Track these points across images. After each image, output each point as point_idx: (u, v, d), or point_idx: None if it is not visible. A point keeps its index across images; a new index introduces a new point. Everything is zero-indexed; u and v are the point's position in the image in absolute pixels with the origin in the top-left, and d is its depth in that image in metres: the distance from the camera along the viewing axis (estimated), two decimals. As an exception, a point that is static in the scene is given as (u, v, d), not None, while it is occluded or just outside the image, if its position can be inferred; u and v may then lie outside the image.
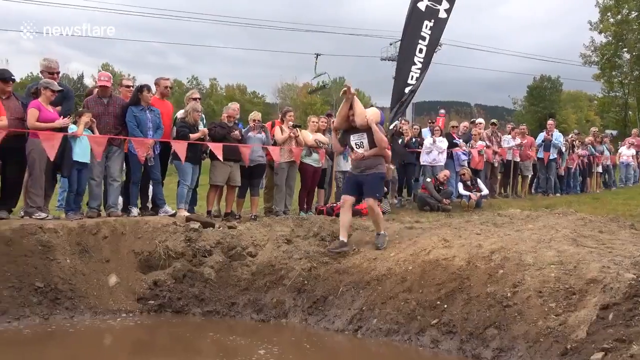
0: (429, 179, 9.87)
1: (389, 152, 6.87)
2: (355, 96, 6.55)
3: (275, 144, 8.43)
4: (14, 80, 6.47)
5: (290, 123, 8.65)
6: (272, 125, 8.88)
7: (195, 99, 8.09)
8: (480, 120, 12.58)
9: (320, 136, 8.95)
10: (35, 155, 6.30)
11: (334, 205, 8.73)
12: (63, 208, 7.64)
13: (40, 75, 7.05)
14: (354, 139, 6.53)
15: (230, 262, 6.31)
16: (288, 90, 51.69)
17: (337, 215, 8.22)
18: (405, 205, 10.24)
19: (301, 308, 5.73)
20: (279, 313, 5.75)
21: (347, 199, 6.49)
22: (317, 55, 29.83)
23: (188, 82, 53.15)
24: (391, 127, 9.22)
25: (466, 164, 10.80)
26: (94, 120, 6.78)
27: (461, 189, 10.06)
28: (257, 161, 8.12)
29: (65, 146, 6.49)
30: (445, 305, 4.89)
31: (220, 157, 7.56)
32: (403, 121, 10.34)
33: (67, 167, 6.70)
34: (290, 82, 52.71)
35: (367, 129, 6.41)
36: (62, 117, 6.51)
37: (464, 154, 10.93)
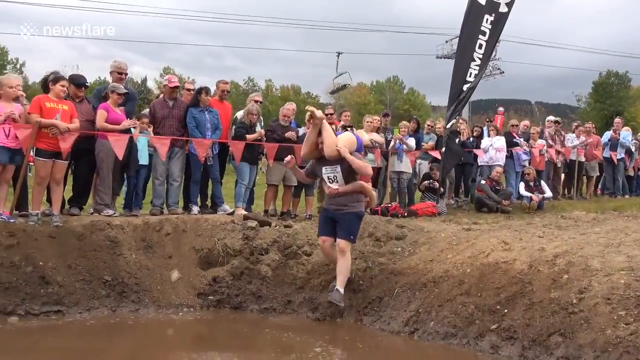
0: (483, 181, 9.59)
1: (369, 188, 5.91)
2: (324, 121, 5.70)
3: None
4: (87, 86, 6.86)
5: (342, 123, 8.66)
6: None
7: (256, 102, 8.30)
8: (552, 117, 12.12)
9: (375, 136, 8.91)
10: (104, 155, 6.64)
11: (389, 205, 8.67)
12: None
13: (110, 76, 7.45)
14: (326, 172, 5.69)
15: (286, 261, 6.40)
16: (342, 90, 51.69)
17: (392, 215, 8.17)
18: (462, 206, 10.01)
19: (356, 308, 5.73)
20: (334, 312, 5.77)
21: (326, 240, 5.73)
22: (339, 53, 28.95)
23: (244, 83, 54.24)
24: (448, 125, 9.02)
25: (527, 164, 10.42)
26: (150, 125, 7.10)
27: (522, 190, 9.71)
28: (311, 162, 8.17)
29: (132, 146, 6.81)
30: (506, 310, 4.74)
31: (271, 160, 7.68)
32: (460, 120, 10.11)
33: (133, 167, 7.06)
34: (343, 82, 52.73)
35: (339, 160, 5.55)
36: (127, 118, 6.85)
37: (524, 153, 10.55)
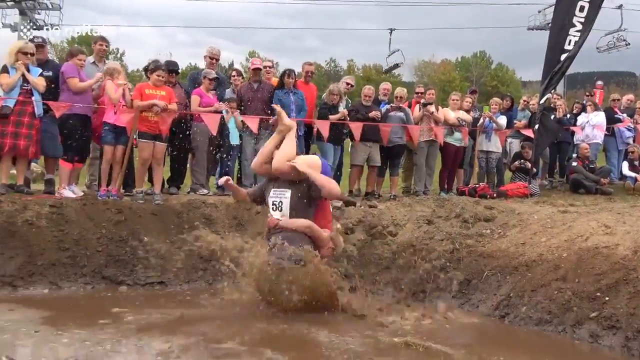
0: (575, 163, 8.97)
1: (322, 234, 4.51)
2: (292, 130, 4.63)
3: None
4: (178, 72, 7.26)
5: (422, 101, 8.46)
6: (409, 105, 8.77)
7: (347, 84, 8.42)
8: None
9: (462, 114, 8.63)
10: (199, 137, 7.04)
11: (477, 186, 8.41)
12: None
13: (203, 61, 7.84)
14: (272, 195, 4.52)
15: (371, 241, 6.44)
16: (425, 67, 50.28)
17: (480, 196, 7.92)
18: (557, 187, 9.47)
19: (443, 290, 5.66)
20: (420, 294, 5.73)
21: None
22: (392, 30, 27.03)
23: (326, 64, 54.30)
24: (542, 101, 8.49)
25: (631, 142, 9.61)
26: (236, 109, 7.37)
27: (626, 170, 9.00)
28: (396, 142, 8.10)
29: (223, 129, 7.13)
30: (607, 298, 4.46)
31: (358, 138, 7.69)
32: (555, 95, 9.48)
33: (226, 148, 7.41)
34: (427, 59, 51.22)
35: (294, 183, 4.39)
36: (218, 102, 7.18)
37: (628, 130, 9.73)
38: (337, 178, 8.39)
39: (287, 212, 4.41)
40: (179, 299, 5.23)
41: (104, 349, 3.57)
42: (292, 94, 7.62)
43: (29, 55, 6.13)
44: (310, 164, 4.50)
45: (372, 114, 7.85)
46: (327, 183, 4.41)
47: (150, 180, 6.81)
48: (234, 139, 7.24)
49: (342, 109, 7.96)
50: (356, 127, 7.69)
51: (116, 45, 43.54)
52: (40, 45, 6.64)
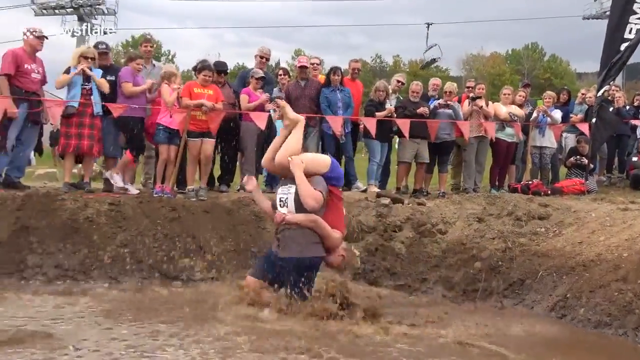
0: (635, 158, 8.52)
1: (330, 231, 4.19)
2: (300, 124, 4.42)
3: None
4: (226, 72, 7.41)
5: (471, 95, 8.26)
6: (459, 100, 8.59)
7: (398, 81, 8.38)
8: None
9: (515, 109, 8.38)
10: (247, 136, 7.19)
11: (530, 182, 8.16)
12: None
13: (254, 60, 8.00)
14: (280, 192, 4.32)
15: (420, 239, 6.37)
16: (474, 61, 49.09)
17: (534, 193, 7.67)
18: (616, 183, 9.05)
19: (495, 290, 5.53)
20: (471, 293, 5.63)
21: (251, 284, 4.30)
22: (429, 25, 26.16)
23: (372, 60, 53.97)
24: (599, 93, 8.11)
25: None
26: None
27: (691, 165, 8.49)
28: (444, 138, 7.96)
29: (271, 127, 7.23)
30: (672, 300, 4.24)
31: (407, 134, 7.61)
32: (614, 87, 9.04)
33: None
34: (475, 52, 49.98)
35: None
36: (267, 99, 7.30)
37: (694, 122, 9.16)
38: (385, 175, 8.37)
39: (292, 207, 4.16)
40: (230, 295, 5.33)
41: (159, 341, 3.70)
42: (338, 92, 7.63)
43: (89, 60, 6.47)
44: (311, 160, 4.27)
45: (420, 110, 7.75)
46: (306, 193, 4.03)
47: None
48: None
49: (389, 105, 7.90)
50: (403, 124, 7.62)
51: (167, 47, 44.95)
52: (104, 52, 6.95)
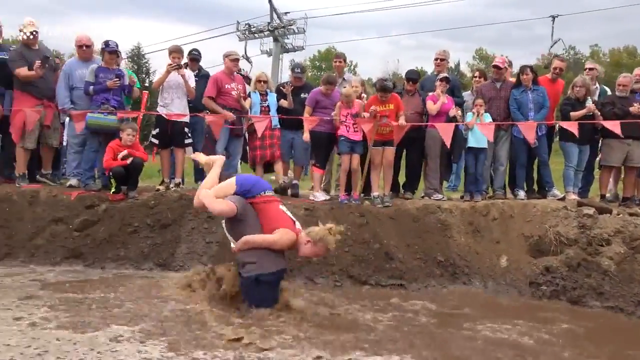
0: None
1: (256, 239, 4.39)
2: (216, 162, 5.01)
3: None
4: (416, 81, 7.34)
5: None
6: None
7: (590, 69, 7.71)
8: None
9: None
10: (432, 143, 7.13)
11: None
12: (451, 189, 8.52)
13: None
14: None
15: (633, 255, 5.60)
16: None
17: None
18: None
19: None
20: None
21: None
22: (554, 17, 23.15)
23: (564, 51, 48.95)
24: None
25: None
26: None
27: None
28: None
29: (457, 134, 7.06)
30: None
31: (619, 133, 6.69)
32: None
33: (457, 153, 7.34)
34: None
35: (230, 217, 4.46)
36: (453, 106, 7.14)
37: None
38: (587, 181, 7.52)
39: (231, 238, 4.56)
40: (418, 301, 5.37)
41: (349, 343, 3.90)
42: (530, 92, 7.12)
43: (262, 83, 7.35)
44: (220, 189, 4.59)
45: (633, 109, 6.78)
46: (208, 203, 4.49)
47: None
48: (481, 142, 7.02)
49: (589, 103, 7.09)
50: (614, 124, 6.71)
51: (350, 58, 47.01)
52: (298, 77, 7.56)
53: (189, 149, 7.29)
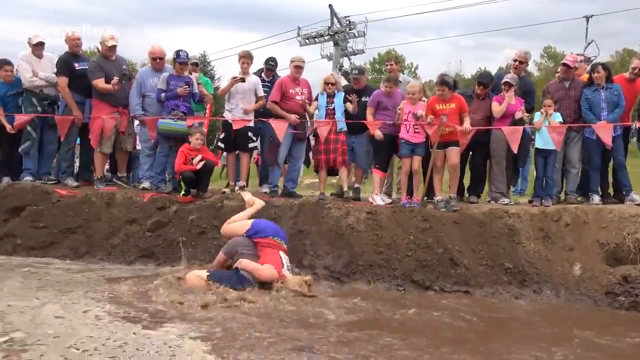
0: None
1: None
2: (254, 205, 6.18)
3: None
4: (487, 85, 7.15)
5: None
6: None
7: None
8: None
9: None
10: (496, 145, 6.91)
11: None
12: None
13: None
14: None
15: None
16: None
17: None
18: None
19: None
20: None
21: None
22: (588, 17, 22.14)
23: (595, 56, 45.87)
24: None
25: None
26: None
27: None
28: None
29: (523, 136, 6.81)
30: None
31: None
32: None
33: (523, 158, 7.13)
34: None
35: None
36: (520, 107, 6.89)
37: None
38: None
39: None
40: (487, 308, 5.23)
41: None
42: (602, 90, 6.74)
43: (329, 85, 7.24)
44: (231, 229, 5.80)
45: None
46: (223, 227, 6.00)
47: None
48: (549, 144, 6.73)
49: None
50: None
51: (410, 60, 46.43)
52: (356, 79, 7.63)
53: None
